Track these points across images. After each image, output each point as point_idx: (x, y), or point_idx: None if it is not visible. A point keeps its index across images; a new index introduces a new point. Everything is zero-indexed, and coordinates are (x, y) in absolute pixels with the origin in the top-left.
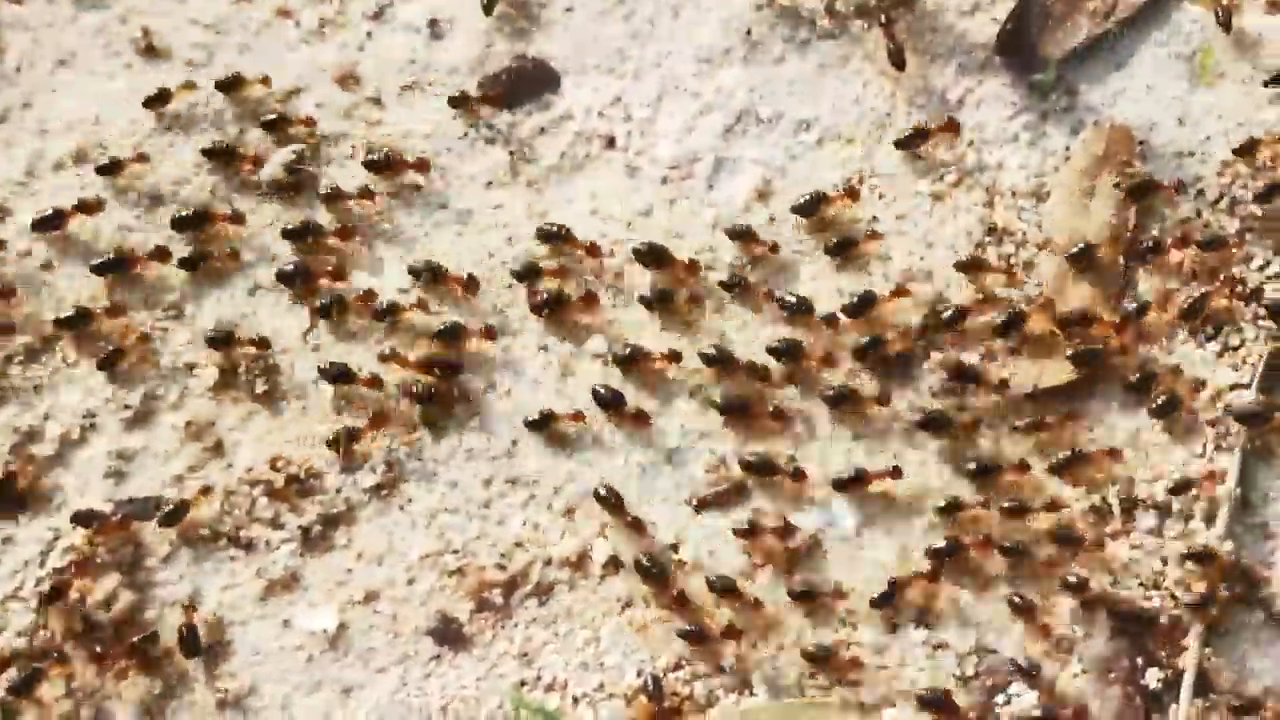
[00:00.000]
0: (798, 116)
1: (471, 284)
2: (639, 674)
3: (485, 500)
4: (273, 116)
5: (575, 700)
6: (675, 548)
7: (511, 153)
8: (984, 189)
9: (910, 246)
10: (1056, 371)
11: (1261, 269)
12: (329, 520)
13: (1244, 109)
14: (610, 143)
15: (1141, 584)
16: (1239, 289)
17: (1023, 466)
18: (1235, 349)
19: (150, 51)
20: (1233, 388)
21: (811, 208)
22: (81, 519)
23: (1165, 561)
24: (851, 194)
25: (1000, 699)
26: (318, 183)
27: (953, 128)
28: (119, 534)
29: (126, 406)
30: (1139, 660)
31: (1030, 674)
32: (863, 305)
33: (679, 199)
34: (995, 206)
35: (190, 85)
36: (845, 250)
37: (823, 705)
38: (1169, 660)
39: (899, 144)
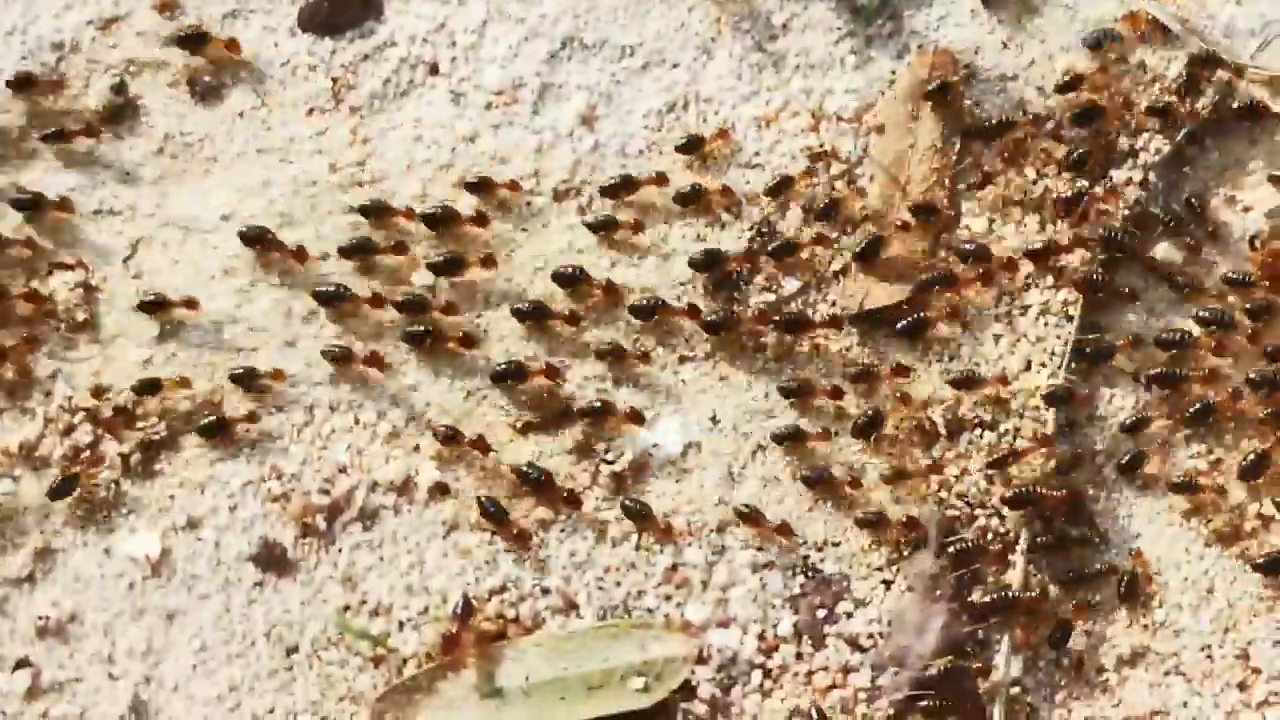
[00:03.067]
0: (622, 42)
1: (300, 254)
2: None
3: (308, 425)
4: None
5: (400, 624)
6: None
7: (334, 80)
8: (810, 114)
9: (735, 171)
10: (883, 293)
11: (1088, 189)
12: (150, 447)
13: (1068, 33)
14: (434, 69)
15: (968, 502)
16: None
17: (835, 392)
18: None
19: None
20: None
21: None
22: None
23: (991, 480)
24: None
25: (828, 618)
26: (139, 111)
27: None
28: None
29: None
30: (964, 577)
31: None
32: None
33: (504, 125)
34: (821, 131)
35: None
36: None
37: (648, 626)
38: (994, 577)
39: (679, 148)
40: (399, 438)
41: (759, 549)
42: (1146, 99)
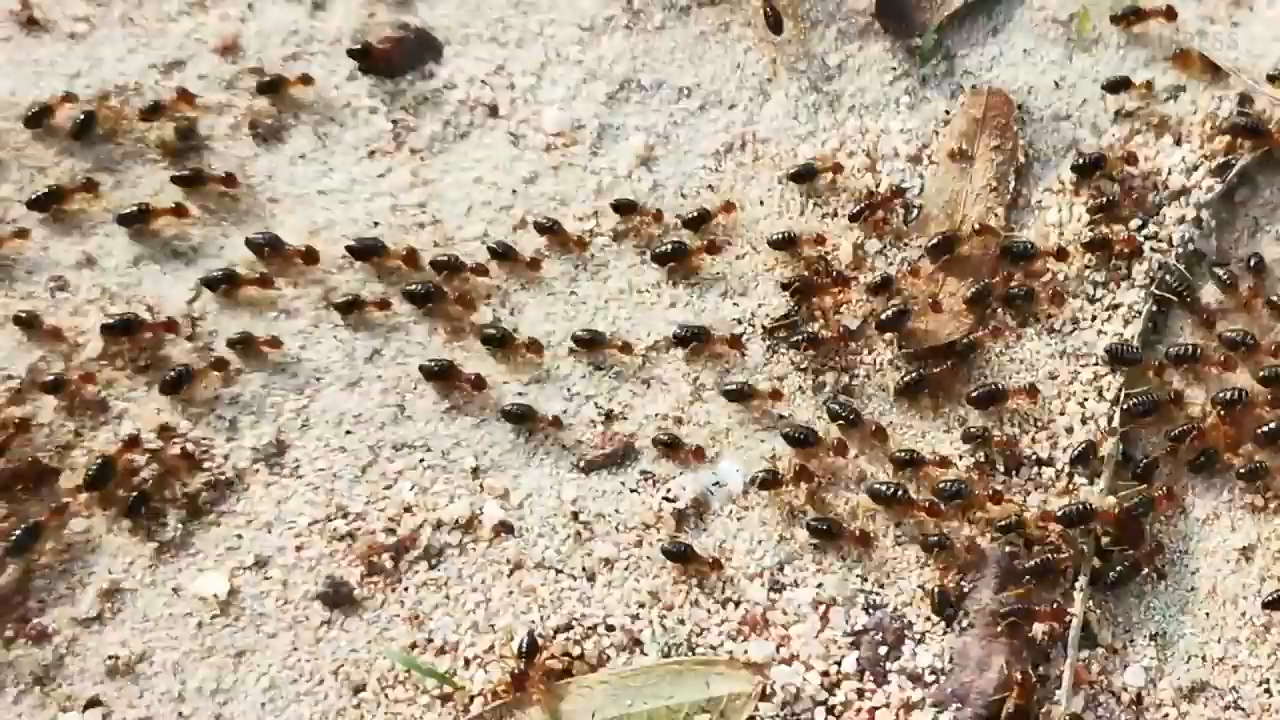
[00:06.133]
0: (679, 83)
1: (310, 256)
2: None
3: (373, 465)
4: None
5: (466, 662)
6: (575, 515)
7: (394, 122)
8: (865, 154)
9: (794, 210)
10: (941, 329)
11: (1140, 229)
12: (217, 486)
13: (1120, 72)
14: (493, 111)
15: (1026, 539)
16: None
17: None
18: (1116, 308)
19: (31, 24)
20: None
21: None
22: None
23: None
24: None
25: (890, 654)
26: (203, 155)
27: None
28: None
29: (10, 377)
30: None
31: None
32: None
33: (563, 166)
34: (877, 170)
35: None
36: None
37: (712, 663)
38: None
39: (791, 177)
40: (463, 476)
41: (819, 586)
42: (1199, 136)
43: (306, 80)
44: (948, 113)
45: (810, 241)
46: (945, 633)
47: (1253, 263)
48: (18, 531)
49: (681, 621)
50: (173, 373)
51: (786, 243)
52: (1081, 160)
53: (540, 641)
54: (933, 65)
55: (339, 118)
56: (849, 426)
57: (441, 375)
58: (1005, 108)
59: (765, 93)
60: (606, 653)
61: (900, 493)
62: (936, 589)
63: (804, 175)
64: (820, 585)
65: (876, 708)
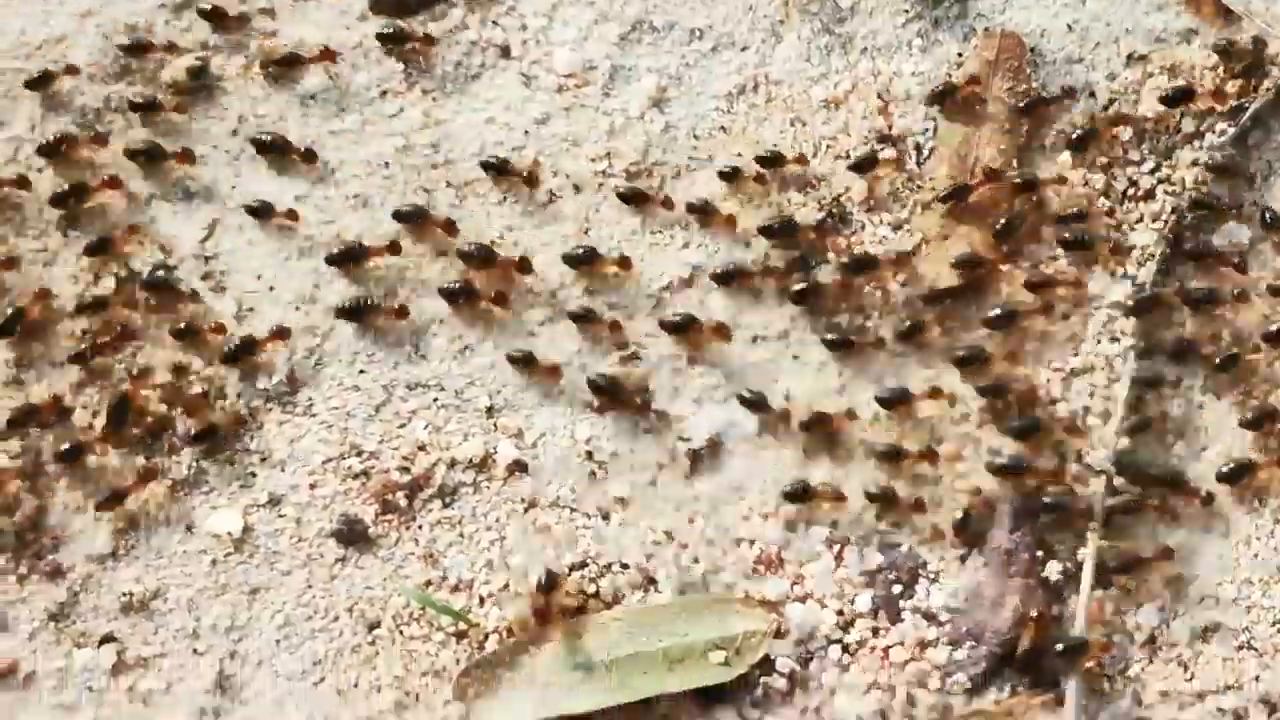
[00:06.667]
0: (691, 24)
1: (523, 266)
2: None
3: (387, 404)
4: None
5: (481, 600)
6: (590, 454)
7: (406, 62)
8: (878, 95)
9: (805, 152)
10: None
11: (1153, 172)
12: (231, 425)
13: (1132, 15)
14: (505, 52)
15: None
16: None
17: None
18: (1129, 249)
19: None
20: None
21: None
22: None
23: (1063, 456)
24: None
25: (904, 593)
26: (216, 94)
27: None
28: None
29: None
30: (1039, 553)
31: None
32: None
33: (575, 107)
34: (889, 112)
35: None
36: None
37: (727, 601)
38: (1068, 553)
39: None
40: (477, 415)
41: (834, 525)
42: (1211, 82)
43: (429, 40)
44: (960, 55)
45: (891, 161)
46: (960, 571)
47: (1268, 218)
48: (112, 403)
49: (696, 560)
50: (355, 299)
51: (869, 163)
52: (1170, 93)
53: (556, 578)
54: (945, 7)
55: (351, 57)
56: (974, 364)
57: (524, 362)
58: (1018, 50)
59: (777, 34)
60: (621, 591)
61: (1024, 464)
62: (962, 511)
63: (944, 94)
64: (835, 524)
65: (891, 646)
